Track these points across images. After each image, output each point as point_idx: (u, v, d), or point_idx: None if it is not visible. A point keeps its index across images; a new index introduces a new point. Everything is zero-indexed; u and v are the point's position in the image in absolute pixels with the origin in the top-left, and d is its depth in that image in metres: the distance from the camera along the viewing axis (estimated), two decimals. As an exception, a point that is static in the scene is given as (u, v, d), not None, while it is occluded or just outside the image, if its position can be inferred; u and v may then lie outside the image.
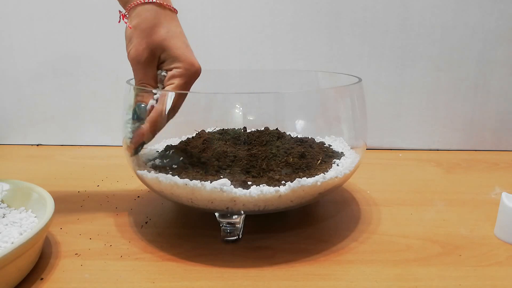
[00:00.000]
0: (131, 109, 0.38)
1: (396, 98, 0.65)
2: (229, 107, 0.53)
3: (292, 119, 0.52)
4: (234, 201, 0.34)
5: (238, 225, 0.37)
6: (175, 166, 0.38)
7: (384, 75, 0.64)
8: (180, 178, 0.35)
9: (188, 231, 0.40)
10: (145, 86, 0.38)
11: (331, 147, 0.45)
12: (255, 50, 0.64)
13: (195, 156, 0.39)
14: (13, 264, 0.29)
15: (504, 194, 0.39)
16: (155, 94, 0.37)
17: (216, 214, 0.37)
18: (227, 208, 0.35)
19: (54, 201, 0.36)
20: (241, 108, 0.53)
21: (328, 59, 0.64)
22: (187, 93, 0.38)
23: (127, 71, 0.64)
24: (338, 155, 0.43)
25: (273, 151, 0.39)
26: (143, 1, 0.37)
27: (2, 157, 0.64)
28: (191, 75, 0.37)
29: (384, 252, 0.36)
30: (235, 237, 0.37)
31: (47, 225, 0.32)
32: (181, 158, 0.39)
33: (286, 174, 0.36)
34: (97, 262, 0.35)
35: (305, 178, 0.35)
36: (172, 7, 0.38)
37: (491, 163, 0.61)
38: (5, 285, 0.30)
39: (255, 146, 0.42)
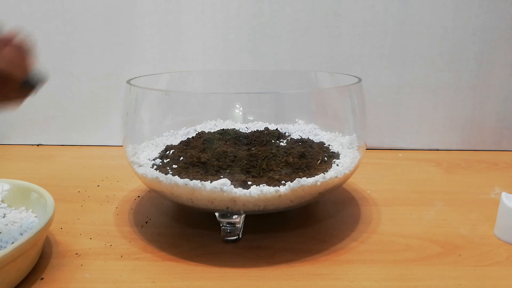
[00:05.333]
0: None
1: (396, 98, 0.65)
2: (229, 107, 0.53)
3: (292, 119, 0.52)
4: (234, 201, 0.34)
5: (238, 225, 0.37)
6: (175, 166, 0.38)
7: (384, 75, 0.64)
8: (180, 178, 0.35)
9: (188, 231, 0.40)
10: None
11: (330, 147, 0.45)
12: (255, 50, 0.64)
13: (195, 156, 0.39)
14: (13, 264, 0.29)
15: (504, 194, 0.39)
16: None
17: (216, 214, 0.37)
18: (227, 208, 0.35)
19: (54, 201, 0.36)
20: (241, 108, 0.53)
21: (328, 59, 0.64)
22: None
23: (127, 71, 0.65)
24: (338, 155, 0.43)
25: (273, 151, 0.39)
26: None
27: (2, 157, 0.64)
28: None
29: (384, 252, 0.36)
30: (235, 237, 0.37)
31: (47, 225, 0.32)
32: (181, 158, 0.39)
33: (286, 174, 0.36)
34: (97, 262, 0.35)
35: (305, 178, 0.35)
36: None
37: (491, 163, 0.61)
38: (5, 285, 0.30)
39: (255, 146, 0.42)
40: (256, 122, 0.53)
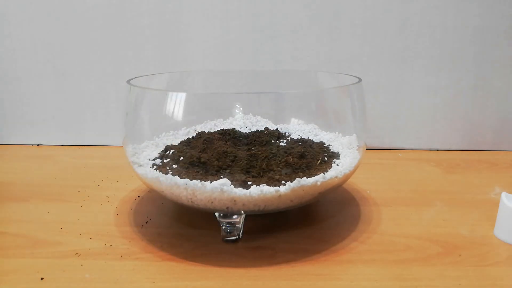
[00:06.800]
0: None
1: (396, 98, 0.65)
2: (229, 107, 0.53)
3: (292, 119, 0.52)
4: (234, 201, 0.34)
5: (238, 225, 0.37)
6: (175, 166, 0.38)
7: (384, 75, 0.64)
8: (180, 178, 0.35)
9: (188, 231, 0.40)
10: None
11: (330, 147, 0.45)
12: (255, 50, 0.64)
13: (195, 156, 0.39)
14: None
15: (504, 194, 0.39)
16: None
17: (216, 214, 0.37)
18: (227, 208, 0.35)
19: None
20: (241, 108, 0.53)
21: (328, 59, 0.64)
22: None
23: (128, 71, 0.65)
24: (338, 155, 0.43)
25: (273, 151, 0.39)
26: None
27: (2, 157, 0.64)
28: None
29: (384, 252, 0.36)
30: (235, 237, 0.37)
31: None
32: (181, 158, 0.39)
33: (286, 174, 0.36)
34: (97, 262, 0.35)
35: (305, 178, 0.35)
36: None
37: (491, 163, 0.61)
38: None
39: (255, 146, 0.42)
40: (256, 119, 0.53)
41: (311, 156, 0.40)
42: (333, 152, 0.43)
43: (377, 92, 0.65)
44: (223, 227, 0.37)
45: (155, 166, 0.40)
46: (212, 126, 0.52)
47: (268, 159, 0.38)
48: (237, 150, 0.40)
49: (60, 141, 0.70)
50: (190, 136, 0.47)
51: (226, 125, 0.52)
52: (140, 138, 0.46)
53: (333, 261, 0.35)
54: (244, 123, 0.52)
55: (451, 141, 0.67)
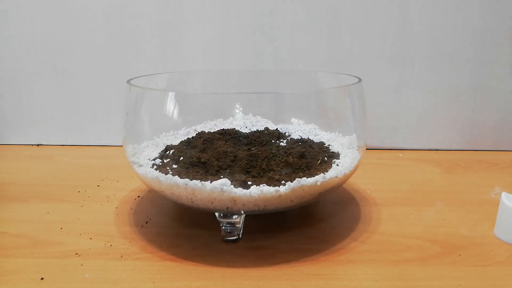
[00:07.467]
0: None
1: (396, 98, 0.65)
2: (229, 107, 0.53)
3: (292, 119, 0.52)
4: (234, 201, 0.34)
5: (238, 225, 0.37)
6: (175, 166, 0.38)
7: (384, 75, 0.64)
8: (180, 178, 0.35)
9: (188, 231, 0.40)
10: None
11: (330, 147, 0.45)
12: (255, 50, 0.64)
13: (195, 156, 0.39)
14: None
15: (504, 194, 0.39)
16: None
17: (216, 214, 0.37)
18: (227, 208, 0.35)
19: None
20: (241, 108, 0.53)
21: (328, 59, 0.64)
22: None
23: (128, 71, 0.65)
24: (338, 155, 0.43)
25: (273, 151, 0.39)
26: None
27: (2, 157, 0.64)
28: None
29: (384, 252, 0.36)
30: (235, 237, 0.37)
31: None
32: (181, 158, 0.39)
33: (286, 174, 0.36)
34: (97, 262, 0.35)
35: (305, 178, 0.35)
36: None
37: (491, 163, 0.61)
38: None
39: (255, 146, 0.42)
40: (256, 119, 0.53)
41: (311, 156, 0.40)
42: (333, 152, 0.43)
43: (377, 92, 0.65)
44: (223, 227, 0.37)
45: (155, 166, 0.40)
46: (212, 126, 0.52)
47: (268, 159, 0.38)
48: (237, 150, 0.40)
49: (60, 141, 0.70)
50: (190, 136, 0.47)
51: (226, 125, 0.52)
52: (140, 138, 0.46)
53: (333, 261, 0.35)
54: (244, 123, 0.52)
55: (451, 141, 0.67)
